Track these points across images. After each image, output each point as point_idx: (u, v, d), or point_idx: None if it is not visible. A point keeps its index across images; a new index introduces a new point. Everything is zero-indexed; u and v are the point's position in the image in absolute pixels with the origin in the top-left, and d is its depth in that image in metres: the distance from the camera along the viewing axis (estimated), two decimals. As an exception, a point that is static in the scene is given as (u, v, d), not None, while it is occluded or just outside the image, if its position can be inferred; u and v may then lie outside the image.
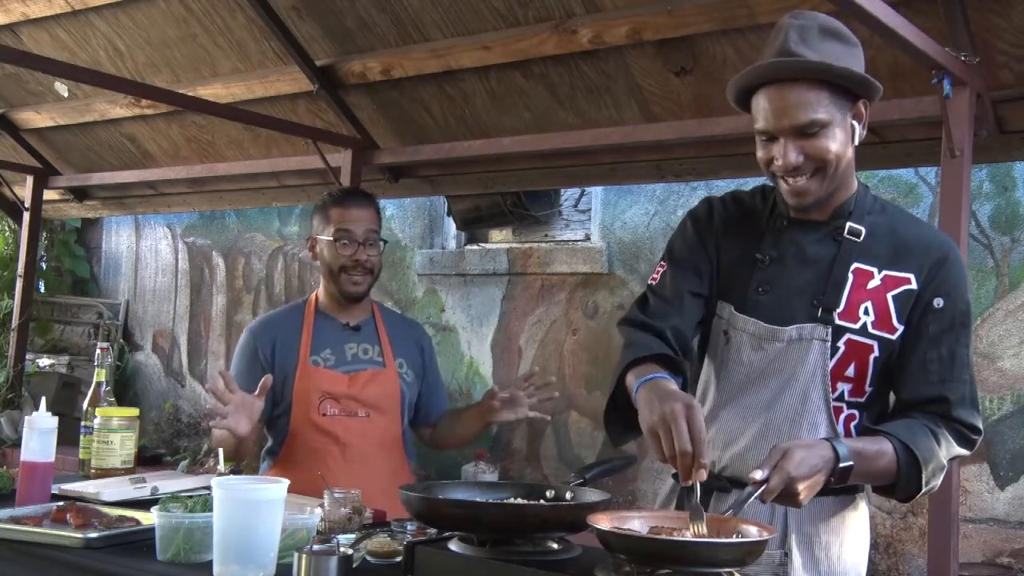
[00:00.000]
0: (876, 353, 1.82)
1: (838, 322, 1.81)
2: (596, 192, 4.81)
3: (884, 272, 1.83)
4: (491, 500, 1.83)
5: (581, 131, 3.61)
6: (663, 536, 1.54)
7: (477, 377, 4.98)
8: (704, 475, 1.55)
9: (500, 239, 5.18)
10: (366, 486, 2.23)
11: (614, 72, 3.36)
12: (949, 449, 1.80)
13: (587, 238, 4.86)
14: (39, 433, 2.19)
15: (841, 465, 1.68)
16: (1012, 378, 3.69)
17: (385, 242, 2.81)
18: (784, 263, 1.87)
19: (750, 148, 3.22)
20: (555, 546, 1.76)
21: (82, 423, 2.63)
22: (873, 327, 1.81)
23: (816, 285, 1.84)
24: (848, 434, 1.85)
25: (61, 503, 2.08)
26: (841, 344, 1.81)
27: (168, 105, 4.29)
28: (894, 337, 1.81)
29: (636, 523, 1.62)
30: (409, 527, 1.94)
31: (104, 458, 2.51)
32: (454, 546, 1.72)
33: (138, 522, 1.97)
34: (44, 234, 6.22)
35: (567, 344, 4.74)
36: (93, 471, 2.52)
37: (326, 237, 2.71)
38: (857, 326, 1.81)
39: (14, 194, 5.52)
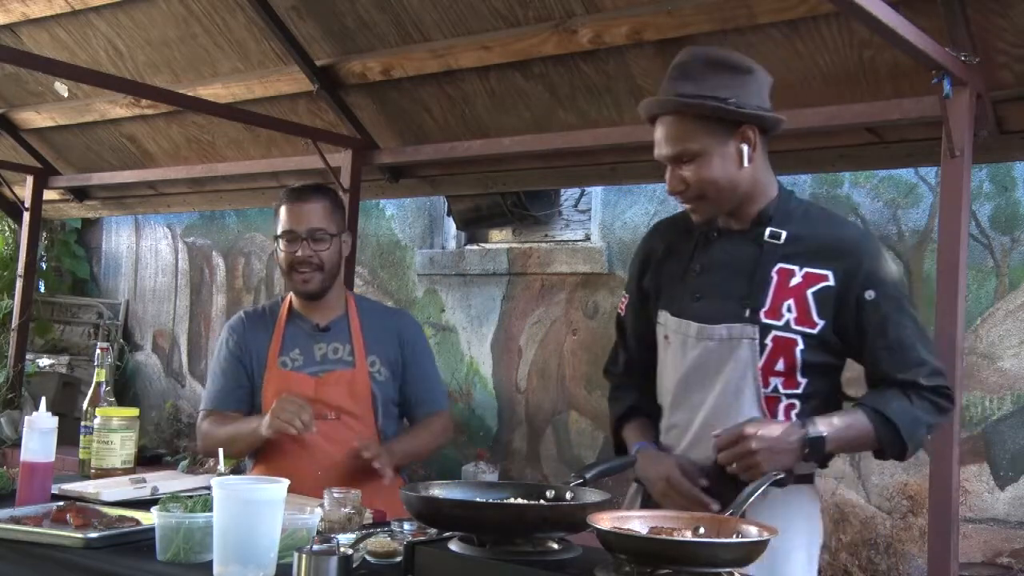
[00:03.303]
0: (801, 347, 1.92)
1: (764, 320, 1.93)
2: (596, 192, 4.81)
3: (805, 269, 1.94)
4: (491, 500, 1.83)
5: (581, 131, 3.60)
6: (663, 536, 1.54)
7: (477, 377, 4.98)
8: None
9: (500, 239, 5.18)
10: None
11: (614, 72, 3.36)
12: (925, 409, 1.91)
13: (587, 238, 4.86)
14: (39, 433, 2.19)
15: (811, 436, 1.82)
16: (1012, 378, 3.69)
17: (338, 235, 2.69)
18: (714, 271, 2.02)
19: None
20: (555, 546, 1.76)
21: (82, 423, 2.63)
22: (795, 323, 1.93)
23: (743, 288, 1.96)
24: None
25: (61, 503, 2.08)
26: (768, 341, 1.92)
27: (168, 105, 4.29)
28: (815, 332, 1.92)
29: (636, 523, 1.62)
30: (409, 527, 1.94)
31: (104, 458, 2.51)
32: (454, 546, 1.72)
33: (138, 522, 1.96)
34: (44, 234, 6.22)
35: (567, 344, 4.74)
36: (93, 471, 2.52)
37: (277, 236, 2.68)
38: (781, 323, 1.93)
39: (14, 194, 5.52)
